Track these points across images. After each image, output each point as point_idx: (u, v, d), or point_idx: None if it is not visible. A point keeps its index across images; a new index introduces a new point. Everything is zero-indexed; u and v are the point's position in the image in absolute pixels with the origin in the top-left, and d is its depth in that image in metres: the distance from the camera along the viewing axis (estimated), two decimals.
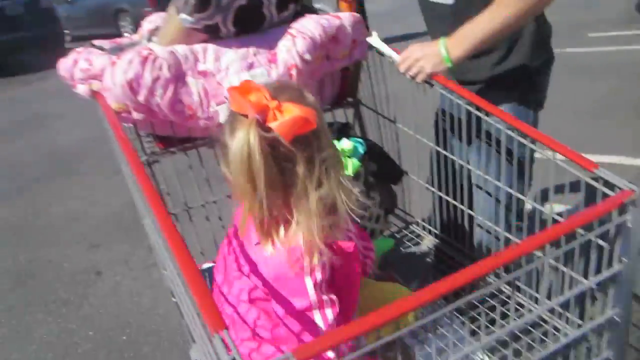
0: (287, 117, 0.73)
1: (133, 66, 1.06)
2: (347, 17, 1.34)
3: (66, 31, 11.00)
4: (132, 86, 1.07)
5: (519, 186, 1.23)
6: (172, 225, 0.68)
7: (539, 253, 0.93)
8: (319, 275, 0.80)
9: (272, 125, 0.73)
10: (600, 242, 0.83)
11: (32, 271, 2.53)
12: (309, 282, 0.79)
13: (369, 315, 0.61)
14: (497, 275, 1.03)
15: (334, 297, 0.83)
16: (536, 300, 1.14)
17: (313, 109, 0.76)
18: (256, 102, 0.73)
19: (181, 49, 1.15)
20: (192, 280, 0.59)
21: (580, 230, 0.80)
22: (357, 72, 1.52)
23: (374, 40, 1.35)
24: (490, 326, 0.96)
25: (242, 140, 0.73)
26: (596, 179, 0.89)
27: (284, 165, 0.76)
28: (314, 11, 1.40)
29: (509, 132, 1.09)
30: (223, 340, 0.53)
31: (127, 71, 1.06)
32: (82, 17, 11.40)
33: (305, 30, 1.24)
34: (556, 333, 1.01)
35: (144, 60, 1.08)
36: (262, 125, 0.73)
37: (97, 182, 3.53)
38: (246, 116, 0.74)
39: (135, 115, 1.12)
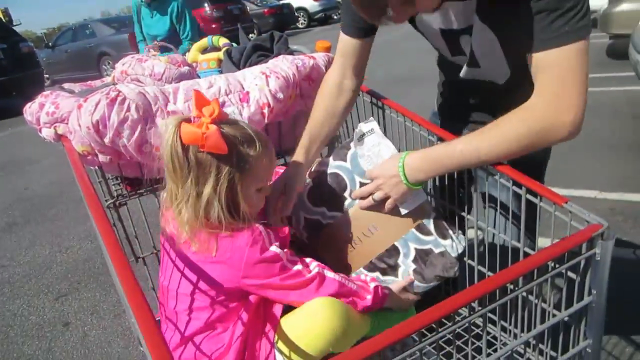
0: (195, 130, 0.87)
1: (100, 108, 1.05)
2: (321, 57, 1.37)
3: (46, 75, 11.03)
4: (98, 128, 1.05)
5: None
6: (130, 274, 0.65)
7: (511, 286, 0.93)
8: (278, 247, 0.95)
9: (183, 126, 0.88)
10: (571, 274, 0.83)
11: None
12: (275, 248, 0.94)
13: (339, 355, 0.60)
14: (473, 310, 1.02)
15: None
16: (511, 334, 1.12)
17: (234, 155, 0.91)
18: (207, 111, 0.90)
19: (151, 90, 1.15)
20: (147, 334, 0.56)
21: (551, 263, 0.81)
22: None
23: (371, 125, 1.17)
24: None
25: (168, 132, 0.91)
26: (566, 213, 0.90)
27: (196, 167, 0.91)
28: (290, 53, 1.43)
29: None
30: None
31: (94, 113, 1.05)
32: (63, 61, 11.54)
33: (279, 69, 1.26)
34: None
35: (112, 101, 1.07)
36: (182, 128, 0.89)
37: (68, 227, 3.43)
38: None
39: (101, 157, 1.10)
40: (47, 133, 1.15)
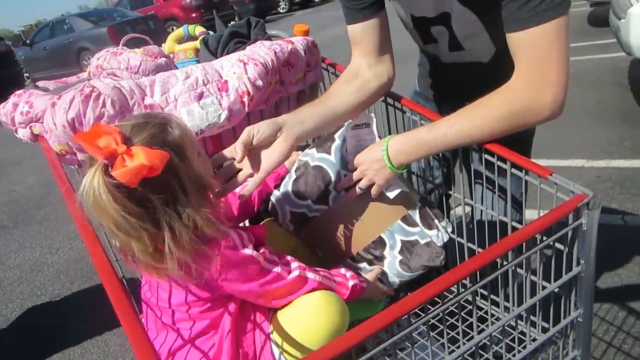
0: (134, 163, 0.72)
1: (74, 105, 1.02)
2: (299, 41, 1.34)
3: (26, 74, 10.81)
4: (74, 126, 1.03)
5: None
6: (112, 273, 0.64)
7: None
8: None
9: (115, 173, 0.72)
10: (559, 245, 0.84)
11: None
12: (249, 251, 0.88)
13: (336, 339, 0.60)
14: (464, 286, 1.02)
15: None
16: (504, 308, 1.13)
17: (170, 150, 0.77)
18: (104, 148, 0.72)
19: (127, 84, 1.12)
20: (136, 344, 0.55)
21: (539, 236, 0.81)
22: (314, 95, 1.52)
23: (367, 120, 1.14)
24: (459, 338, 0.94)
25: (86, 185, 0.74)
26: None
27: (142, 204, 0.77)
28: (268, 38, 1.40)
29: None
30: None
31: (68, 110, 1.02)
32: (42, 58, 11.33)
33: (257, 56, 1.23)
34: (523, 338, 1.01)
35: (87, 97, 1.04)
36: (107, 171, 0.73)
37: (57, 227, 3.39)
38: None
39: (80, 156, 1.07)
40: (23, 133, 1.12)
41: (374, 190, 1.08)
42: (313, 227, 1.15)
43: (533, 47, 0.84)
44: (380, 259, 1.15)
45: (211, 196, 0.91)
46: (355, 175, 1.09)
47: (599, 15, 5.57)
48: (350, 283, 1.02)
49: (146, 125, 0.79)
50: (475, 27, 1.01)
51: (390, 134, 1.30)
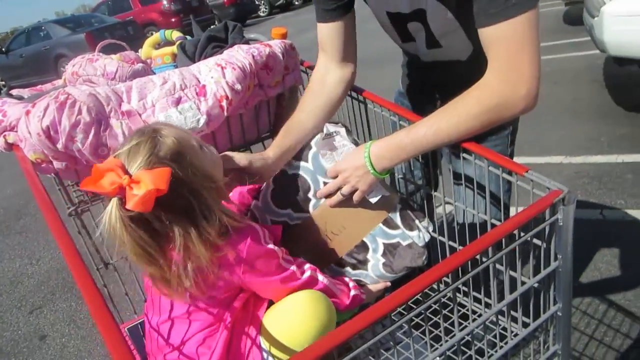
0: (141, 190, 0.73)
1: (49, 112, 1.01)
2: (277, 45, 1.34)
3: (2, 82, 10.59)
4: (49, 134, 1.01)
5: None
6: (91, 283, 0.63)
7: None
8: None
9: (129, 205, 0.73)
10: (536, 241, 0.85)
11: None
12: (272, 246, 0.91)
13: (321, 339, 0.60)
14: (446, 284, 1.03)
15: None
16: (485, 304, 1.15)
17: (170, 162, 0.78)
18: (110, 185, 0.74)
19: (103, 90, 1.10)
20: (111, 345, 0.54)
21: (518, 232, 0.82)
22: (293, 98, 1.52)
23: (337, 128, 1.15)
24: (442, 336, 0.95)
25: (106, 222, 0.77)
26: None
27: (161, 227, 0.79)
28: (246, 42, 1.39)
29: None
30: None
31: (43, 118, 1.00)
32: (19, 66, 11.11)
33: (234, 60, 1.23)
34: (505, 333, 1.02)
35: (61, 105, 1.02)
36: (123, 205, 0.75)
37: (37, 237, 3.33)
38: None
39: (56, 164, 1.06)
40: None
41: (356, 196, 1.07)
42: (295, 235, 1.15)
43: (504, 41, 0.86)
44: (363, 262, 1.15)
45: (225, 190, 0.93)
46: (337, 183, 1.08)
47: (573, 14, 5.68)
48: (352, 293, 1.04)
49: (139, 147, 0.80)
50: (451, 24, 1.03)
51: (355, 129, 1.31)
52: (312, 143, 1.15)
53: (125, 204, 0.74)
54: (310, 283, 0.95)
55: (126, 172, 0.75)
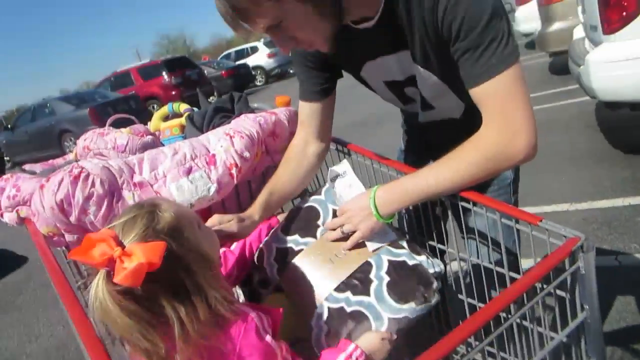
0: (132, 264, 0.69)
1: (63, 186, 1.02)
2: (282, 112, 1.38)
3: (6, 158, 10.79)
4: (63, 207, 1.02)
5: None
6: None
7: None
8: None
9: (117, 279, 0.69)
10: (560, 292, 0.83)
11: None
12: (270, 339, 0.82)
13: None
14: (470, 345, 0.99)
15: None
16: None
17: (166, 237, 0.75)
18: (100, 256, 0.70)
19: (115, 163, 1.13)
20: None
21: (539, 285, 0.80)
22: None
23: (344, 168, 1.16)
24: None
25: (92, 296, 0.72)
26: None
27: (151, 304, 0.74)
28: (251, 111, 1.44)
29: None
30: None
31: (57, 192, 1.02)
32: (24, 142, 11.37)
33: (242, 129, 1.26)
34: None
35: (75, 178, 1.04)
36: (110, 278, 0.71)
37: (37, 314, 3.24)
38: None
39: (68, 237, 1.06)
40: (9, 217, 1.11)
41: (354, 238, 1.07)
42: (297, 263, 1.12)
43: (493, 97, 0.90)
44: (365, 283, 1.06)
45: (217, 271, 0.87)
46: (340, 220, 1.09)
47: (558, 64, 5.87)
48: None
49: (136, 220, 0.77)
50: (440, 87, 1.07)
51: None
52: (327, 184, 1.18)
53: (114, 277, 0.70)
54: None
55: (119, 244, 0.72)
